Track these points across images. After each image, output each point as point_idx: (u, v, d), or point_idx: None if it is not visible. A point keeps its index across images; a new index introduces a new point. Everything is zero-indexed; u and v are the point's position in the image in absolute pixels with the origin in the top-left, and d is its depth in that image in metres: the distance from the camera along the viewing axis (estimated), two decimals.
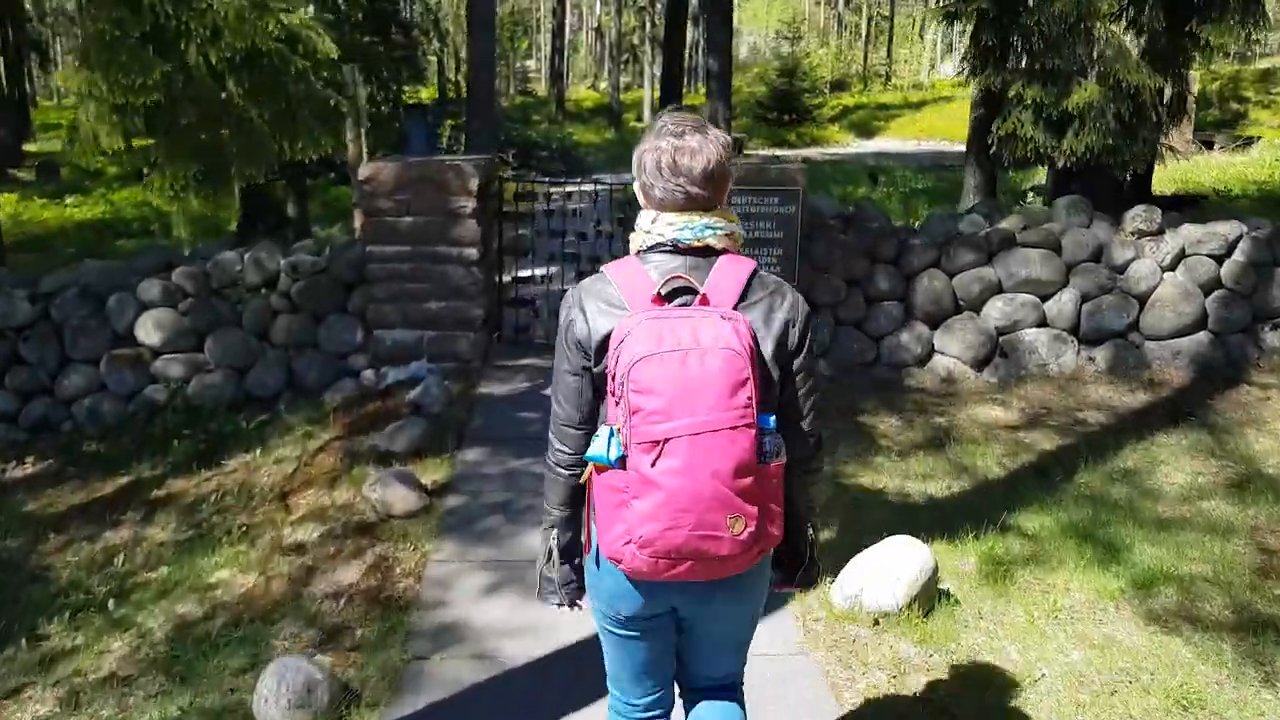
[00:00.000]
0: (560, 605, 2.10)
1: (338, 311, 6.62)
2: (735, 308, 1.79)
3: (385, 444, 4.97)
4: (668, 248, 1.84)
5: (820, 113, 33.18)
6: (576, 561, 2.06)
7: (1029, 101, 6.99)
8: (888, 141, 32.10)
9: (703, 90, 39.86)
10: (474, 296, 6.31)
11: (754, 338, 1.75)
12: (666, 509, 1.69)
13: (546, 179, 6.59)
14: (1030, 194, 14.43)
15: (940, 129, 33.16)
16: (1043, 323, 6.82)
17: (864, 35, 53.63)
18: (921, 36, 60.28)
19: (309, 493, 4.72)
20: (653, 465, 1.68)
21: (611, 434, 1.75)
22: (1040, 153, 7.28)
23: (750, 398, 1.69)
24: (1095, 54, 6.99)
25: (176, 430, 6.17)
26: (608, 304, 1.82)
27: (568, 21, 48.83)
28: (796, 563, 2.11)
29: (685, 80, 23.48)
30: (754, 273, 1.86)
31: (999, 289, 6.83)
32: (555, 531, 2.02)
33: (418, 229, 6.21)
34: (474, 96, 10.91)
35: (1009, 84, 7.73)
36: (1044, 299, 6.83)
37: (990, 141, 8.08)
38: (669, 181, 1.82)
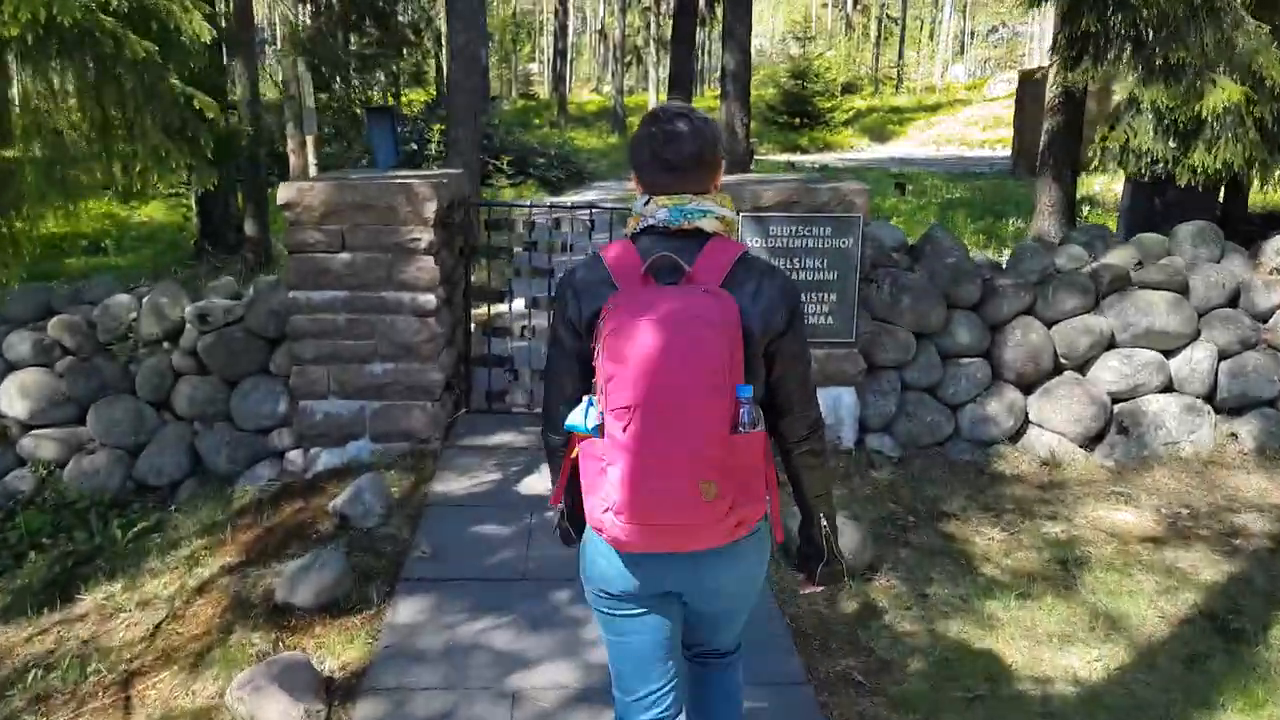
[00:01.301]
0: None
1: (257, 374, 5.11)
2: (720, 286, 1.79)
3: (285, 592, 3.45)
4: (659, 230, 1.87)
5: (833, 116, 31.70)
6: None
7: (1147, 105, 5.47)
8: (904, 146, 30.61)
9: (710, 94, 38.23)
10: (431, 356, 4.79)
11: (739, 314, 1.74)
12: (638, 474, 1.71)
13: (529, 203, 5.05)
14: (1085, 209, 12.86)
15: (958, 133, 31.72)
16: (1169, 387, 5.29)
17: (874, 37, 52.13)
18: (932, 38, 58.83)
19: (162, 678, 3.20)
20: (624, 431, 1.71)
21: (590, 403, 1.80)
22: (1159, 168, 5.74)
23: (727, 367, 1.70)
24: (1222, 43, 5.45)
25: (37, 536, 4.67)
26: (598, 283, 1.86)
27: (571, 24, 47.55)
28: (817, 558, 2.08)
29: (695, 83, 22.01)
30: (742, 255, 1.86)
31: (1111, 343, 5.30)
32: (563, 504, 2.05)
33: (357, 269, 4.70)
34: (454, 99, 9.39)
35: (1103, 77, 6.19)
36: (1169, 355, 5.30)
37: (1092, 154, 6.59)
38: (658, 165, 1.88)
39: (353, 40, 12.61)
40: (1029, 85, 17.66)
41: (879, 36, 51.59)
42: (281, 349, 5.01)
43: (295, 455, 4.96)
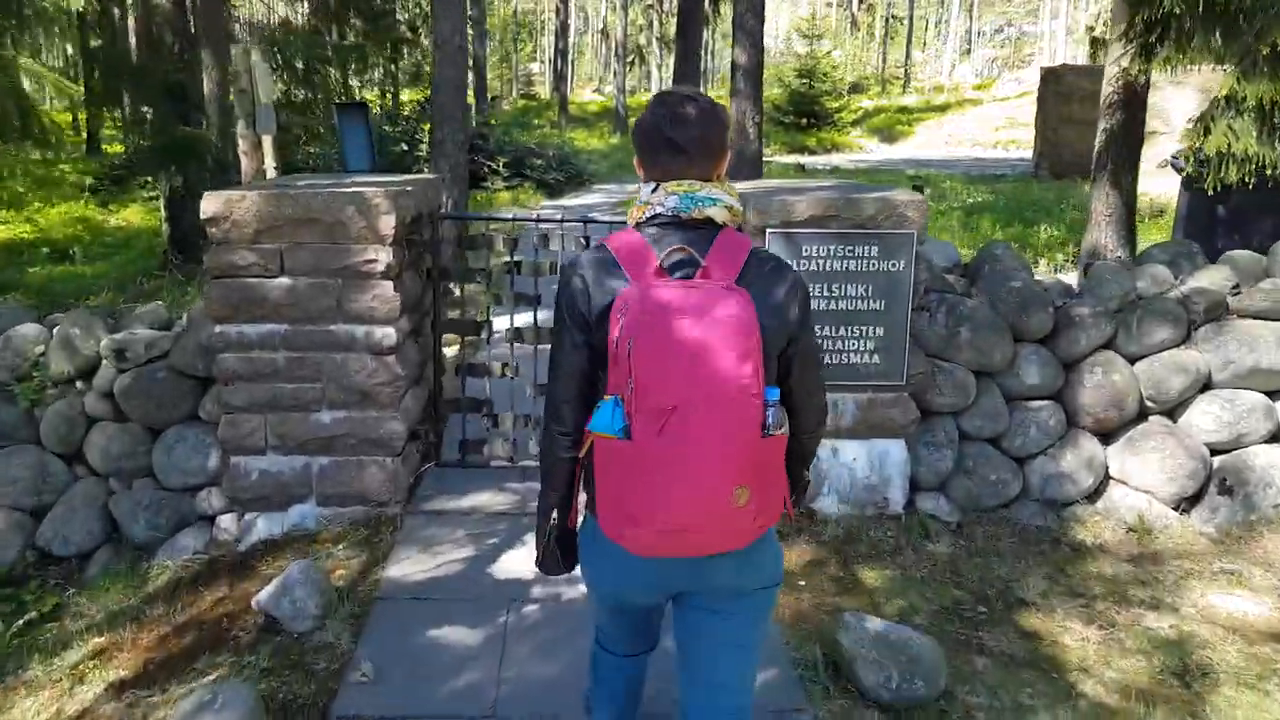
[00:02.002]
0: (566, 572, 2.06)
1: (185, 421, 4.26)
2: (736, 283, 1.73)
3: None
4: (667, 219, 1.81)
5: (841, 117, 30.84)
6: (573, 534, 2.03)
7: (1251, 102, 4.59)
8: (914, 147, 29.73)
9: (717, 94, 37.56)
10: (391, 402, 3.94)
11: (756, 314, 1.70)
12: (673, 481, 1.65)
13: (510, 214, 4.19)
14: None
15: (970, 134, 30.81)
16: (1279, 436, 4.43)
17: (881, 36, 51.25)
18: (939, 37, 57.95)
19: None
20: (658, 434, 1.64)
21: (615, 404, 1.70)
22: (1267, 174, 4.87)
23: (756, 369, 1.66)
24: None
25: None
26: (609, 275, 1.78)
27: (573, 23, 46.81)
28: (799, 491, 2.10)
29: (700, 83, 21.12)
30: (754, 250, 1.82)
31: (1208, 383, 4.43)
32: (555, 512, 1.98)
33: (298, 297, 3.84)
34: (438, 95, 8.54)
35: (1165, 63, 5.32)
36: (1277, 398, 4.43)
37: (1184, 157, 5.73)
38: (665, 147, 1.81)
39: (335, 32, 11.74)
40: (1052, 82, 16.79)
41: (885, 36, 50.70)
42: (214, 391, 4.15)
43: (228, 521, 4.11)
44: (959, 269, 4.77)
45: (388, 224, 3.81)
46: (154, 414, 4.22)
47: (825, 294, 3.95)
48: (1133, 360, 4.45)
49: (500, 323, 4.45)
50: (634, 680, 2.23)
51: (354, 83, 12.18)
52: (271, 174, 5.82)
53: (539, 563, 2.04)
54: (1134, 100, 6.47)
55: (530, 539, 3.80)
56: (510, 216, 4.24)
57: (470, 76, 31.17)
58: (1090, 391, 4.37)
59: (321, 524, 3.96)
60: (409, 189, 4.08)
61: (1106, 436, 4.47)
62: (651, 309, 1.66)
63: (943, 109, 36.97)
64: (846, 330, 3.98)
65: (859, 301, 3.96)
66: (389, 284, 3.87)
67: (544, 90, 50.18)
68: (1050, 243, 10.69)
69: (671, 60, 16.80)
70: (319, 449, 3.97)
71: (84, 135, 24.45)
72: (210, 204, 3.78)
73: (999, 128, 30.94)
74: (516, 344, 4.32)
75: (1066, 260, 9.76)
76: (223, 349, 3.88)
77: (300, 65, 9.05)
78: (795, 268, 1.94)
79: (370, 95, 21.24)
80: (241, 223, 3.78)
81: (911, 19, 50.95)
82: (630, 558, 1.79)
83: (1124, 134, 6.54)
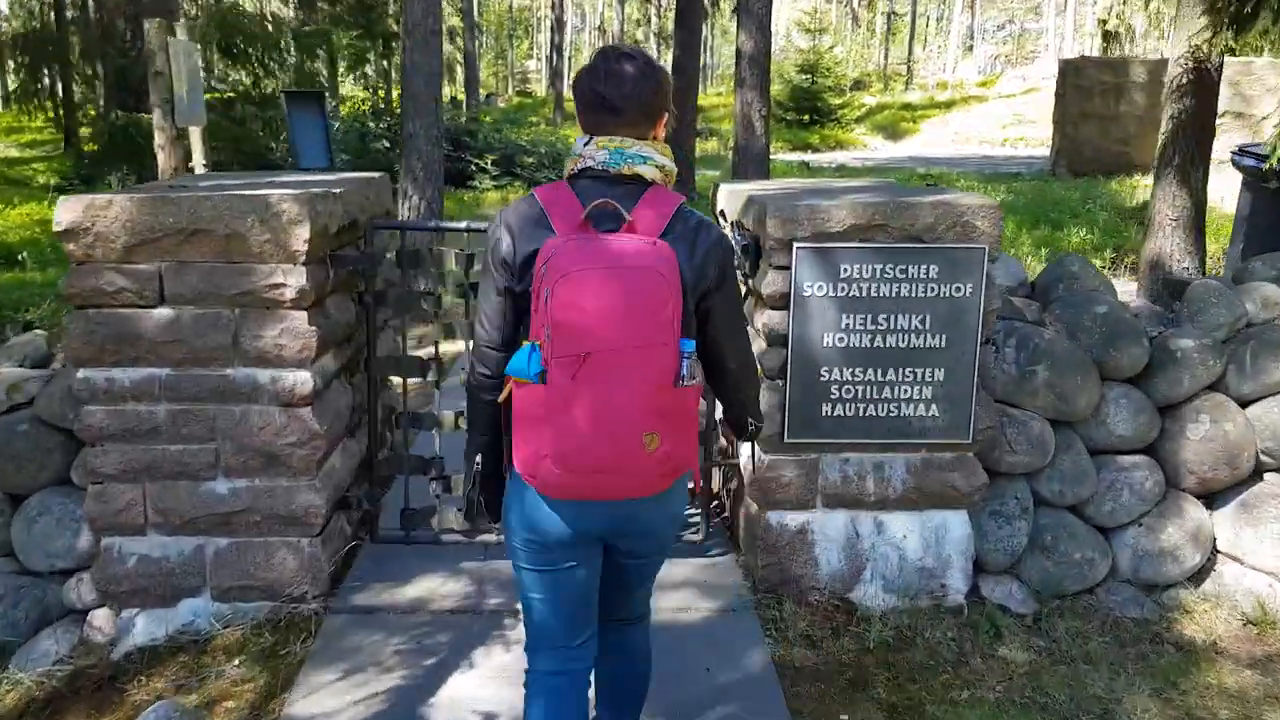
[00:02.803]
0: (492, 522, 2.10)
1: (51, 486, 3.35)
2: (660, 238, 1.77)
3: None
4: (597, 172, 1.83)
5: (845, 113, 29.96)
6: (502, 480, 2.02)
7: None
8: (919, 144, 28.78)
9: (714, 92, 36.54)
10: (306, 467, 3.04)
11: (678, 267, 1.74)
12: (582, 423, 1.68)
13: (464, 223, 3.28)
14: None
15: (976, 131, 29.90)
16: None
17: (882, 32, 50.36)
18: (940, 34, 57.07)
19: None
20: (572, 379, 1.68)
21: (532, 349, 1.74)
22: None
23: (670, 320, 1.70)
24: None
25: None
26: (534, 225, 1.81)
27: (569, 19, 45.98)
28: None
29: (701, 80, 20.10)
30: (680, 206, 1.84)
31: None
32: (480, 456, 1.98)
33: (184, 331, 2.94)
34: (409, 85, 7.65)
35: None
36: None
37: (1272, 148, 4.85)
38: (597, 103, 1.83)
39: (300, 17, 10.83)
40: (1071, 75, 15.88)
41: (887, 31, 49.78)
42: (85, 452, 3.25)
43: (101, 618, 3.20)
44: (1024, 288, 3.88)
45: (299, 236, 2.91)
46: (13, 476, 3.31)
47: (869, 327, 3.05)
48: (1244, 404, 3.57)
49: (457, 359, 3.53)
50: (576, 686, 2.05)
51: (291, 63, 11.28)
52: (201, 171, 4.91)
53: (465, 513, 2.04)
54: (1205, 84, 5.58)
55: (494, 646, 2.94)
56: (462, 225, 3.33)
57: (461, 71, 30.29)
58: (1195, 444, 3.48)
59: (217, 625, 3.07)
60: (336, 191, 3.18)
61: (1211, 499, 3.58)
62: (571, 259, 1.69)
63: (947, 106, 36.05)
64: (896, 374, 3.09)
65: (913, 336, 3.07)
66: (302, 315, 2.97)
67: (540, 88, 49.37)
68: (1083, 247, 9.80)
69: (670, 56, 15.91)
70: (214, 528, 3.07)
71: (62, 132, 23.54)
72: (65, 212, 2.88)
73: (1006, 125, 30.06)
74: None
75: (1104, 267, 8.88)
76: (88, 399, 2.99)
77: (255, 51, 8.13)
78: (722, 231, 1.99)
79: (363, 92, 20.36)
80: (108, 236, 2.88)
81: (914, 15, 50.02)
82: (549, 500, 1.84)
83: (1193, 123, 5.65)
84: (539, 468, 1.74)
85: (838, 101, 30.09)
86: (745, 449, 3.36)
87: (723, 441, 3.75)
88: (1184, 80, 5.58)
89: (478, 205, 15.30)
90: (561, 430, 1.69)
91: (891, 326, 3.06)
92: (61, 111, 22.56)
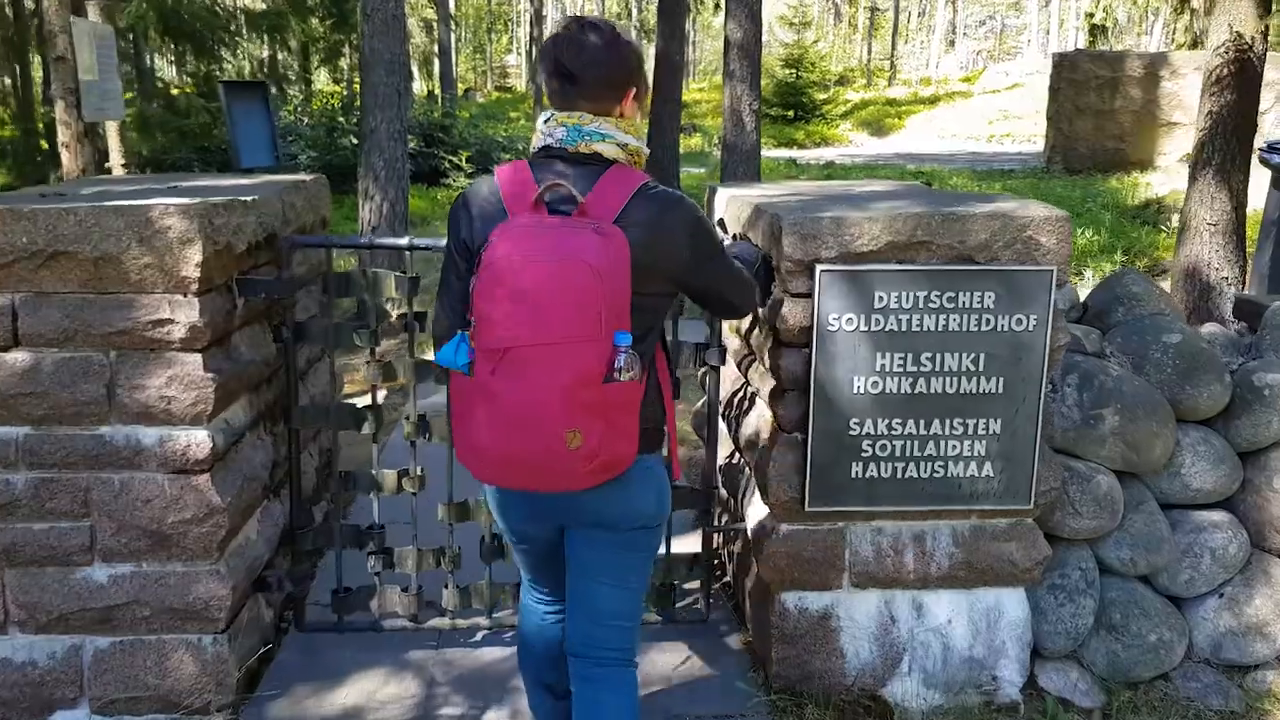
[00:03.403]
0: None
1: None
2: (617, 222, 1.67)
3: None
4: (555, 150, 1.75)
5: (829, 109, 29.47)
6: None
7: None
8: (906, 140, 28.30)
9: (695, 87, 36.01)
10: (204, 549, 2.41)
11: (628, 255, 1.64)
12: (502, 419, 1.65)
13: (405, 241, 2.65)
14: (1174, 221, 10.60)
15: (963, 127, 29.42)
16: None
17: (865, 27, 49.91)
18: (922, 29, 56.74)
19: None
20: (492, 374, 1.64)
21: (461, 338, 1.73)
22: None
23: (601, 312, 1.61)
24: None
25: None
26: (490, 206, 1.75)
27: (549, 13, 45.29)
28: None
29: (685, 76, 19.44)
30: (642, 186, 1.73)
31: None
32: None
33: (45, 382, 2.31)
34: (369, 75, 7.00)
35: None
36: None
37: None
38: (556, 76, 1.75)
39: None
40: (1066, 69, 15.39)
41: (870, 27, 49.29)
42: None
43: None
44: (1076, 310, 3.31)
45: (189, 259, 2.29)
46: None
47: (909, 369, 2.46)
48: None
49: (400, 407, 2.88)
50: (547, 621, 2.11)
51: (242, 51, 10.57)
52: (119, 172, 4.25)
53: None
54: (1248, 75, 5.04)
55: None
56: (404, 242, 2.71)
57: (437, 65, 29.53)
58: None
59: None
60: (248, 199, 2.55)
61: None
62: (499, 247, 1.64)
63: (932, 102, 35.62)
64: (942, 426, 2.50)
65: (963, 380, 2.48)
66: (195, 358, 2.35)
67: (520, 83, 48.69)
68: (1091, 249, 9.28)
69: (653, 49, 15.27)
70: (92, 625, 2.44)
71: None
72: None
73: (992, 120, 29.63)
74: (421, 440, 2.78)
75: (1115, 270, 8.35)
76: None
77: (210, 37, 7.45)
78: (694, 204, 1.78)
79: (338, 87, 19.61)
80: None
81: (896, 9, 49.57)
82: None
83: (1234, 119, 5.10)
84: (465, 458, 1.76)
85: (822, 97, 29.62)
86: (752, 513, 2.76)
87: (723, 492, 3.15)
88: (1224, 72, 5.03)
89: (451, 204, 14.64)
90: (480, 423, 1.68)
91: (937, 368, 2.47)
92: None
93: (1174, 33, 33.91)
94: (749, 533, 2.81)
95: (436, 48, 28.26)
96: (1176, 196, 11.76)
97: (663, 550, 2.85)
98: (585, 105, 1.75)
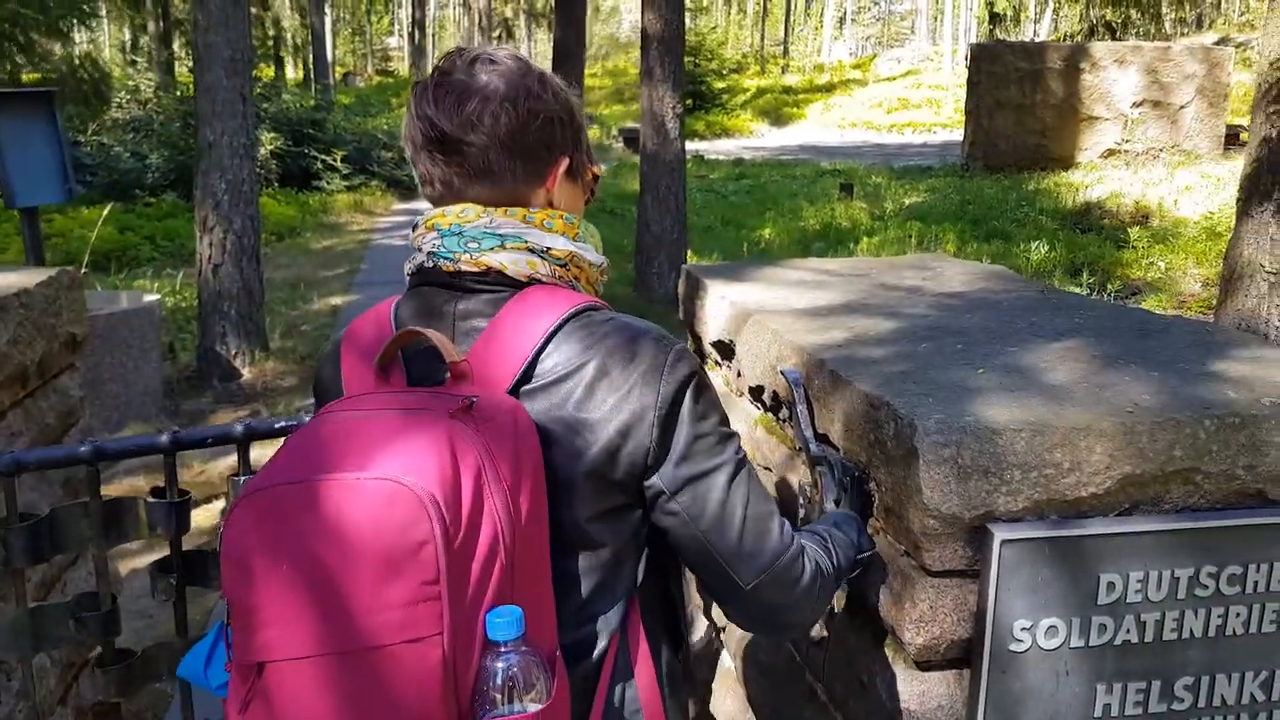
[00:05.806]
0: None
1: None
2: (517, 390, 0.96)
3: None
4: (429, 272, 1.04)
5: (729, 99, 28.60)
6: None
7: None
8: (805, 131, 27.70)
9: (589, 73, 34.60)
10: None
11: (535, 456, 0.90)
12: None
13: (165, 436, 1.33)
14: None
15: (862, 116, 28.98)
16: None
17: (758, 13, 49.36)
18: (810, 15, 56.74)
19: None
20: (239, 713, 0.83)
21: (218, 634, 1.02)
22: None
23: (428, 582, 0.79)
24: None
25: None
26: (328, 377, 1.09)
27: None
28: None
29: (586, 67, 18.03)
30: (568, 319, 0.99)
31: None
32: None
33: None
34: (204, 76, 5.51)
35: None
36: None
37: None
38: (425, 150, 1.03)
39: None
40: (985, 61, 14.72)
41: (763, 13, 48.75)
42: None
43: None
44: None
45: None
46: None
47: (1154, 708, 1.28)
48: None
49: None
50: None
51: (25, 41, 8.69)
52: None
53: None
54: None
55: None
56: (166, 440, 1.30)
57: (311, 52, 27.32)
58: None
59: None
60: None
61: None
62: (269, 468, 0.87)
63: (828, 90, 35.26)
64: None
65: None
66: None
67: (403, 67, 46.53)
68: (1047, 266, 8.43)
69: (550, 36, 13.93)
70: None
71: None
72: None
73: (892, 109, 29.32)
74: None
75: (1089, 294, 7.50)
76: None
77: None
78: (681, 348, 0.99)
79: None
80: None
81: None
82: None
83: None
84: None
85: (721, 85, 28.74)
86: None
87: None
88: None
89: (325, 211, 12.99)
90: None
91: (1205, 701, 1.30)
92: None
93: (1060, 20, 34.33)
94: None
95: (310, 34, 26.10)
96: (1116, 200, 11.15)
97: None
98: (481, 193, 1.03)
